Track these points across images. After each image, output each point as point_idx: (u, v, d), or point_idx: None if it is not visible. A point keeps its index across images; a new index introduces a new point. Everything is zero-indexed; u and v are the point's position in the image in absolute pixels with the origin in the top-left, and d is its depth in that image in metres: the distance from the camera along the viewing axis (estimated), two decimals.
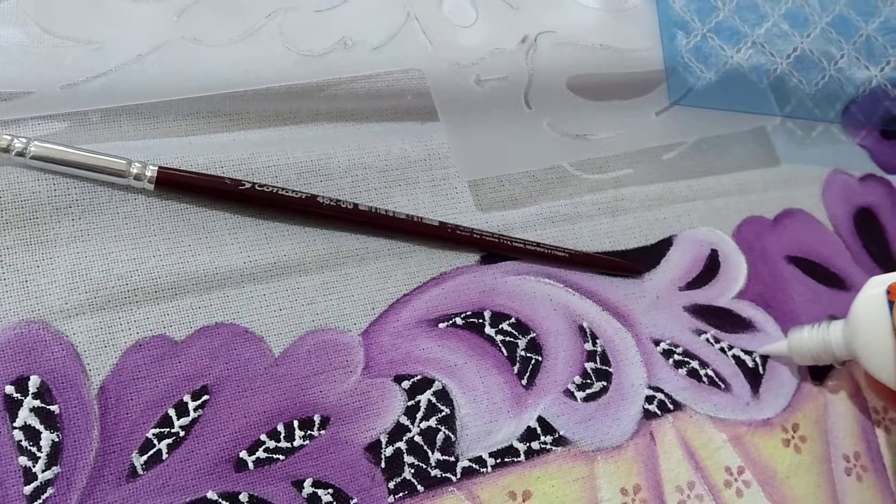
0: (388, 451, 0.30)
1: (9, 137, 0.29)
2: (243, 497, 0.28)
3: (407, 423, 0.31)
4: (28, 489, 0.26)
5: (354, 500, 0.29)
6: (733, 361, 0.36)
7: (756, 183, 0.40)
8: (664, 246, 0.38)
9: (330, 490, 0.29)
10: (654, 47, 0.40)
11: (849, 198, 0.42)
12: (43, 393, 0.27)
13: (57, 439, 0.27)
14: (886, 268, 0.40)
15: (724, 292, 0.37)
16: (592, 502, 0.31)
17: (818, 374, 0.37)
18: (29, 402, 0.27)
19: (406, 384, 0.31)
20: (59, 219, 0.30)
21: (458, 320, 0.33)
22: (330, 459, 0.29)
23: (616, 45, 0.39)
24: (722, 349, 0.36)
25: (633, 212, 0.38)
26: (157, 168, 0.30)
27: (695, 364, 0.35)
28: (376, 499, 0.29)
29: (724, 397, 0.35)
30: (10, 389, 0.27)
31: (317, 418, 0.30)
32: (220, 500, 0.28)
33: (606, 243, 0.37)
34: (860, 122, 0.43)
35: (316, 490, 0.29)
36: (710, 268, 0.38)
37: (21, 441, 0.27)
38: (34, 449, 0.27)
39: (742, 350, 0.36)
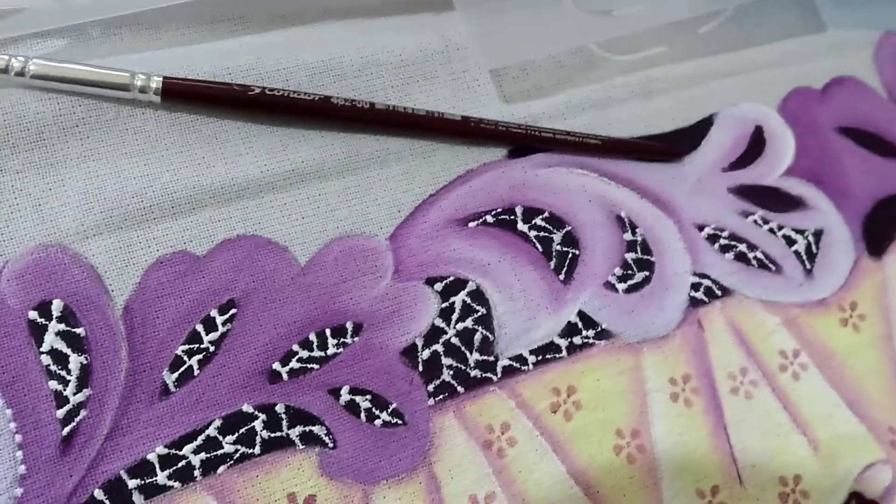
0: (425, 354, 0.29)
1: (6, 57, 0.28)
2: (279, 408, 0.27)
3: (442, 325, 0.30)
4: (61, 413, 0.26)
5: (394, 405, 0.28)
6: (784, 242, 0.34)
7: (801, 52, 0.38)
8: (704, 126, 0.35)
9: (368, 396, 0.28)
10: None
11: None
12: (67, 316, 0.27)
13: (85, 362, 0.26)
14: None
15: (771, 170, 0.35)
16: (640, 394, 0.30)
17: (876, 248, 0.35)
18: (54, 326, 0.26)
19: (439, 286, 0.30)
20: (67, 139, 0.29)
21: (489, 218, 0.32)
22: (366, 366, 0.28)
23: None
24: (771, 230, 0.34)
25: (668, 92, 0.35)
26: (161, 79, 0.29)
27: (742, 247, 0.33)
28: (416, 402, 0.28)
29: (775, 279, 0.33)
30: (33, 315, 0.26)
31: (349, 325, 0.29)
32: (255, 412, 0.27)
33: (641, 128, 0.35)
34: None
35: (354, 397, 0.28)
36: (755, 146, 0.35)
37: (49, 365, 0.26)
38: (63, 373, 0.26)
39: (793, 229, 0.34)
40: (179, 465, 0.26)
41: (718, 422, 0.30)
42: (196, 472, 0.26)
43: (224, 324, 0.28)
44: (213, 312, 0.28)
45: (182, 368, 0.27)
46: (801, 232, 0.34)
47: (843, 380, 0.32)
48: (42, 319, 0.26)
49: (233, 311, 0.28)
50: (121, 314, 0.27)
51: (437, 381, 0.29)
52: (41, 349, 0.26)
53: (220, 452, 0.26)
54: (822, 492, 0.29)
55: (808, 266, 0.34)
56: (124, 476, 0.25)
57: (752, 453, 0.30)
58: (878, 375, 0.33)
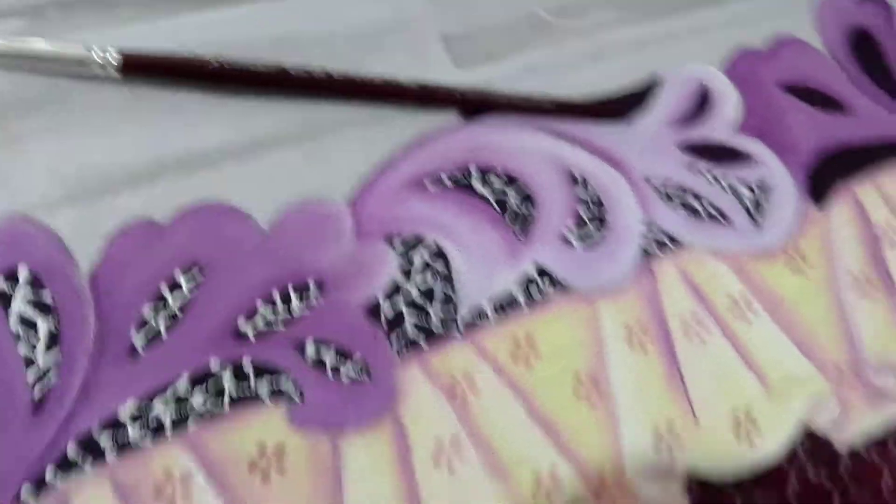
0: (388, 311, 0.30)
1: None
2: (246, 365, 0.28)
3: (404, 282, 0.30)
4: (31, 376, 0.26)
5: (359, 361, 0.29)
6: (732, 195, 0.35)
7: (746, 13, 0.39)
8: (653, 87, 0.37)
9: (333, 353, 0.29)
10: None
11: (843, 20, 0.40)
12: (34, 283, 0.27)
13: (53, 327, 0.27)
14: (885, 87, 0.39)
15: (719, 127, 0.36)
16: (597, 340, 0.31)
17: (820, 198, 0.36)
18: (21, 292, 0.27)
19: (399, 245, 0.31)
20: (29, 114, 0.29)
21: (446, 179, 0.32)
22: (330, 324, 0.29)
23: None
24: (720, 183, 0.35)
25: (617, 56, 0.37)
26: (120, 53, 0.30)
27: (692, 200, 0.34)
28: (380, 357, 0.29)
29: (724, 230, 0.34)
30: None
31: (312, 286, 0.30)
32: (223, 369, 0.28)
33: (592, 91, 0.36)
34: None
35: (319, 354, 0.29)
36: (702, 104, 0.37)
37: (17, 331, 0.27)
38: (31, 338, 0.27)
39: (741, 182, 0.35)
40: (150, 422, 0.27)
41: (672, 364, 0.31)
42: (166, 429, 0.27)
43: (189, 289, 0.29)
44: (179, 278, 0.29)
45: (149, 331, 0.28)
46: (748, 185, 0.35)
47: (792, 324, 0.33)
48: (9, 286, 0.27)
49: (198, 276, 0.29)
50: (87, 280, 0.28)
51: (401, 337, 0.30)
52: (9, 315, 0.27)
53: (189, 408, 0.27)
54: (773, 421, 0.31)
55: (756, 217, 0.35)
56: (96, 435, 0.26)
57: (706, 392, 0.31)
58: (826, 319, 0.34)
